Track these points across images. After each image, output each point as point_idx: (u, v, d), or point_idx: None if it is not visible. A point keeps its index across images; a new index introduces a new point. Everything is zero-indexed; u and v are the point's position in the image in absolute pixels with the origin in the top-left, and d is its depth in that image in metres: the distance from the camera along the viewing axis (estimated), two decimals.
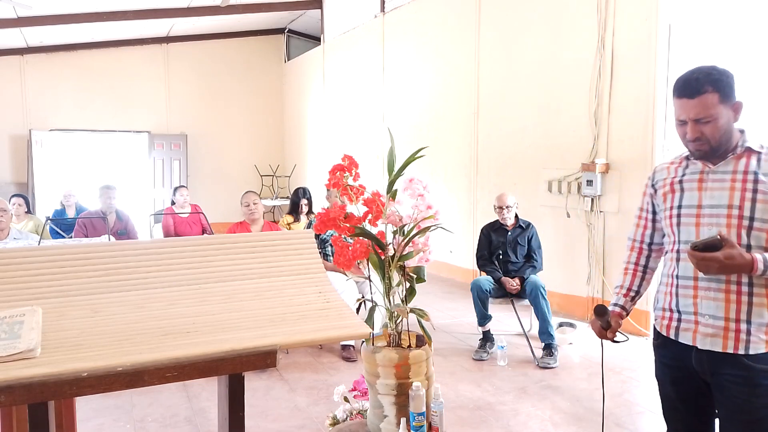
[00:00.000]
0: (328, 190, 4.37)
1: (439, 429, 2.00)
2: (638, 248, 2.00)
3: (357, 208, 2.07)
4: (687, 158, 1.84)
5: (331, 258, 4.17)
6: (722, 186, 1.72)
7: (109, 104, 11.10)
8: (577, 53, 5.29)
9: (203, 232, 6.03)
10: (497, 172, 6.40)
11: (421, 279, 2.08)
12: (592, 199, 5.13)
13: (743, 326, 1.67)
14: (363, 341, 2.08)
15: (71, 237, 5.21)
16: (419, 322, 2.02)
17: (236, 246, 2.07)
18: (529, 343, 4.35)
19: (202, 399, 3.58)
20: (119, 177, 10.54)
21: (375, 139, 8.78)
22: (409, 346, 2.04)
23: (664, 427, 1.95)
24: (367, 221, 2.05)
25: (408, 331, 2.07)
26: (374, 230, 2.06)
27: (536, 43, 5.77)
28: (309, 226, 5.29)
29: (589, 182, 5.06)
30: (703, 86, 1.68)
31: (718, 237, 1.60)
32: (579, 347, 4.53)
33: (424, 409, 1.91)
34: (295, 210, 5.46)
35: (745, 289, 1.67)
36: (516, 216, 4.63)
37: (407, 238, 2.02)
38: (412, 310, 2.01)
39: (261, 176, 12.15)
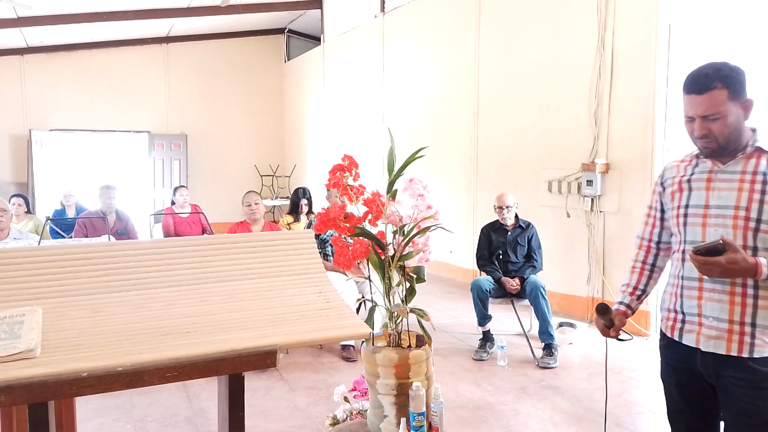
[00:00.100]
0: (328, 190, 4.37)
1: (439, 429, 2.00)
2: (646, 247, 1.97)
3: (357, 208, 2.07)
4: (697, 156, 1.80)
5: (331, 258, 4.17)
6: (730, 186, 1.69)
7: (109, 104, 11.11)
8: (577, 53, 5.29)
9: (203, 232, 6.03)
10: (497, 172, 6.40)
11: (421, 279, 2.08)
12: (592, 199, 5.14)
13: (748, 329, 1.65)
14: (363, 341, 2.08)
15: (71, 237, 5.21)
16: (419, 322, 2.02)
17: (236, 246, 2.07)
18: (529, 343, 4.35)
19: (202, 399, 3.58)
20: (119, 177, 10.53)
21: (375, 139, 8.78)
22: (409, 346, 2.04)
23: (664, 427, 1.95)
24: (367, 221, 2.05)
25: (408, 331, 2.07)
26: (374, 230, 2.05)
27: (536, 43, 5.77)
28: (309, 226, 5.29)
29: (589, 182, 5.06)
30: (712, 82, 1.64)
31: (721, 241, 1.57)
32: (579, 347, 4.53)
33: (424, 409, 1.91)
34: (295, 210, 5.46)
35: (750, 291, 1.65)
36: (516, 216, 4.63)
37: (407, 238, 2.02)
38: (412, 310, 2.01)
39: (261, 176, 12.16)
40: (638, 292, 1.96)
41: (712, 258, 1.58)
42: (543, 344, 4.26)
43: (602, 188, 5.06)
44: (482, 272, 4.69)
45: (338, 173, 2.04)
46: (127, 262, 1.91)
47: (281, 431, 3.19)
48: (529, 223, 4.64)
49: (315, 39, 11.54)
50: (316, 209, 4.59)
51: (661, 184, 1.89)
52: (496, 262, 4.52)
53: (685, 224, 1.77)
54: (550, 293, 4.59)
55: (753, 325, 1.65)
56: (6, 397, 1.38)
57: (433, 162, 7.26)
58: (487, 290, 4.38)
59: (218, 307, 1.84)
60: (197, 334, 1.68)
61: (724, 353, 1.67)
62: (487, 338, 4.43)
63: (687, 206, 1.76)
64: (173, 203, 6.32)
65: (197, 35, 11.56)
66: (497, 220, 4.64)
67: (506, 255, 4.53)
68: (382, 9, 8.57)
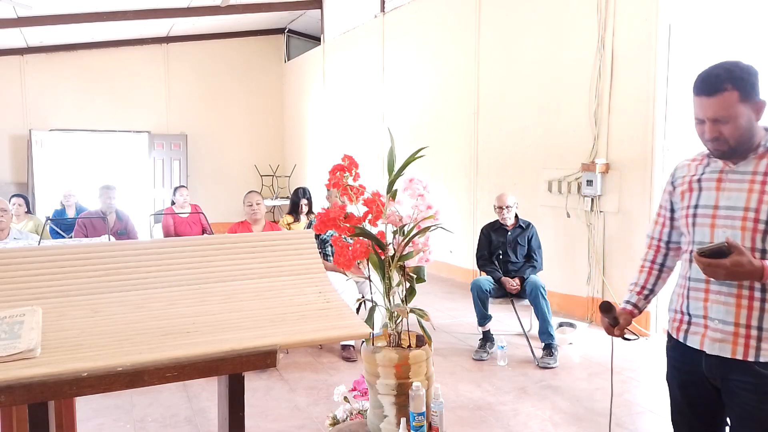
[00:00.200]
0: (328, 190, 4.36)
1: (439, 429, 2.00)
2: (656, 246, 1.93)
3: (357, 208, 2.07)
4: (708, 156, 1.76)
5: (331, 258, 4.17)
6: (740, 187, 1.65)
7: (109, 104, 11.11)
8: (577, 53, 5.29)
9: (203, 232, 6.03)
10: (497, 172, 6.40)
11: (421, 279, 2.08)
12: (592, 199, 5.13)
13: (754, 332, 1.62)
14: (363, 341, 2.08)
15: (71, 237, 5.21)
16: (419, 322, 2.02)
17: (236, 246, 2.07)
18: (529, 343, 4.35)
19: (202, 399, 3.58)
20: (119, 177, 10.54)
21: (375, 139, 8.78)
22: (409, 346, 2.04)
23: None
24: (367, 221, 2.05)
25: (408, 331, 2.07)
26: (374, 230, 2.05)
27: (536, 43, 5.77)
28: (309, 226, 5.29)
29: (589, 182, 5.06)
30: (722, 84, 1.59)
31: (726, 243, 1.55)
32: (579, 347, 4.53)
33: (424, 409, 1.91)
34: (295, 210, 5.46)
35: (757, 294, 1.62)
36: (516, 216, 4.63)
37: (407, 238, 2.02)
38: (412, 310, 2.01)
39: (261, 176, 12.15)
40: (646, 292, 1.93)
41: (716, 260, 1.55)
42: (543, 344, 4.26)
43: (602, 188, 5.06)
44: (482, 272, 4.69)
45: (338, 173, 2.04)
46: (127, 262, 1.91)
47: (281, 431, 3.18)
48: (529, 223, 4.64)
49: (315, 39, 11.54)
50: (316, 209, 4.59)
51: (672, 183, 1.86)
52: (496, 262, 4.52)
53: (693, 224, 1.73)
54: (550, 293, 4.59)
55: (759, 328, 1.61)
56: (6, 397, 1.38)
57: (433, 162, 7.26)
58: (487, 290, 4.38)
59: (218, 307, 1.84)
60: (197, 334, 1.68)
61: (729, 356, 1.65)
62: (487, 338, 4.43)
63: (696, 206, 1.73)
64: (173, 203, 6.32)
65: (197, 35, 11.56)
66: (497, 220, 4.64)
67: (506, 255, 4.53)
68: (382, 9, 8.57)
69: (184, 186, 6.89)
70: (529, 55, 5.88)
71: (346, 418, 2.54)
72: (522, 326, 4.49)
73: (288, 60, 12.36)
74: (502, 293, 4.48)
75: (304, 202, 5.45)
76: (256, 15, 10.43)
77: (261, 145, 12.36)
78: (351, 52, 9.56)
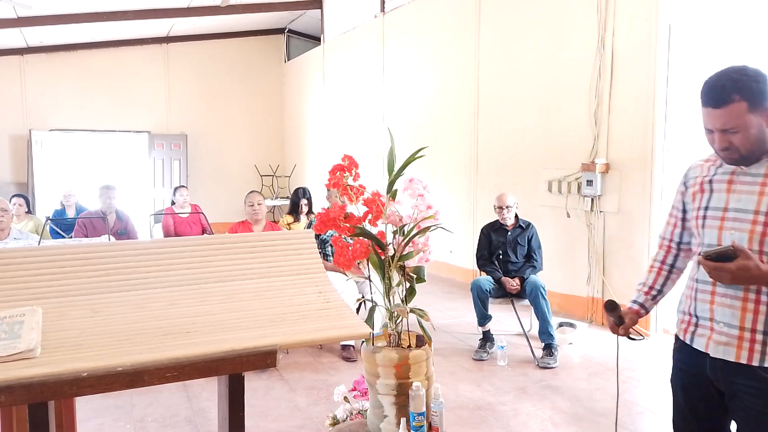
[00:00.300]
0: (328, 190, 4.36)
1: (439, 429, 2.00)
2: (666, 247, 1.92)
3: (357, 208, 2.07)
4: None
5: (331, 258, 4.17)
6: (751, 190, 1.62)
7: (109, 104, 11.11)
8: (577, 53, 5.29)
9: (203, 232, 6.04)
10: (497, 172, 6.40)
11: (421, 279, 2.08)
12: (592, 199, 5.13)
13: (759, 337, 1.60)
14: (363, 341, 2.08)
15: (71, 237, 5.22)
16: (419, 322, 2.02)
17: (236, 246, 2.07)
18: (529, 343, 4.35)
19: (202, 399, 3.58)
20: (119, 177, 10.54)
21: (375, 139, 8.78)
22: (409, 346, 2.04)
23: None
24: (367, 221, 2.05)
25: (408, 331, 2.07)
26: (374, 230, 2.05)
27: (536, 43, 5.77)
28: (309, 226, 5.29)
29: (589, 182, 5.06)
30: (729, 95, 1.55)
31: (732, 247, 1.53)
32: (579, 347, 4.53)
33: (424, 409, 1.91)
34: (295, 210, 5.46)
35: (764, 298, 1.59)
36: (516, 216, 4.63)
37: (407, 238, 2.02)
38: (412, 310, 2.01)
39: (261, 176, 12.15)
40: (654, 292, 1.92)
41: (721, 264, 1.54)
42: (543, 344, 4.26)
43: (602, 188, 5.06)
44: (482, 272, 4.69)
45: (338, 173, 2.04)
46: (127, 262, 1.91)
47: (281, 431, 3.19)
48: (529, 223, 4.64)
49: (315, 39, 11.54)
50: (316, 209, 4.59)
51: (684, 183, 1.84)
52: (496, 262, 4.52)
53: (703, 226, 1.72)
54: (550, 293, 4.59)
55: (765, 333, 1.59)
56: (6, 397, 1.38)
57: (433, 162, 7.26)
58: (487, 290, 4.38)
59: (218, 307, 1.84)
60: (197, 334, 1.68)
61: (733, 360, 1.63)
62: (487, 338, 4.43)
63: (707, 208, 1.71)
64: (173, 203, 6.32)
65: (197, 35, 11.56)
66: (497, 220, 4.64)
67: (506, 255, 4.53)
68: (382, 9, 8.57)
69: (184, 186, 6.89)
70: (529, 55, 5.88)
71: (346, 418, 2.54)
72: (522, 326, 4.49)
73: (288, 60, 12.36)
74: (502, 293, 4.48)
75: (304, 202, 5.45)
76: (256, 15, 10.43)
77: (261, 145, 12.36)
78: (351, 52, 9.56)
